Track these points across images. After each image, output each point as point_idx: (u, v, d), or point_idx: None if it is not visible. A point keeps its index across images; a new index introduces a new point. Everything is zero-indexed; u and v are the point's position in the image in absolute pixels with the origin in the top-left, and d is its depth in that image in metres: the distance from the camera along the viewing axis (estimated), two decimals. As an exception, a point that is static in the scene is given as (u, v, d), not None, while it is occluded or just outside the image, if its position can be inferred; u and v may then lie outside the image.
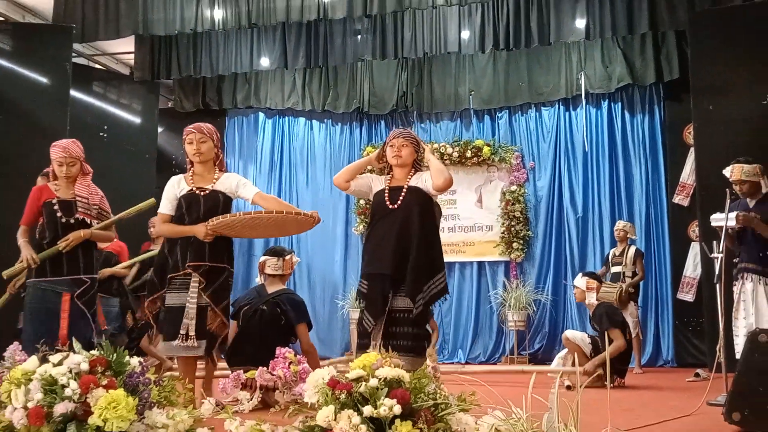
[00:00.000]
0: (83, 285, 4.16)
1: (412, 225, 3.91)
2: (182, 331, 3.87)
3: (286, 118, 10.58)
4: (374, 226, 4.06)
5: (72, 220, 4.24)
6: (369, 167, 4.51)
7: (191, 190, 4.09)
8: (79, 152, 4.38)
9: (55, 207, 4.27)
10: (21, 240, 4.30)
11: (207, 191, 4.08)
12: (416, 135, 4.24)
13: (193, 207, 4.03)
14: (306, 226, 4.17)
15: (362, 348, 3.86)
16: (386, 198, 4.03)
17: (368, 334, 3.88)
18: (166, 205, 4.13)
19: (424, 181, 4.06)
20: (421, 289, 3.86)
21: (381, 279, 3.91)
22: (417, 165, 4.15)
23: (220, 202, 4.06)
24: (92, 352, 2.77)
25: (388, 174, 4.19)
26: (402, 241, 3.90)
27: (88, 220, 4.31)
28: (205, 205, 4.02)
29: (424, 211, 3.98)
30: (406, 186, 4.02)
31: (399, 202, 3.98)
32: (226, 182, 4.15)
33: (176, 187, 4.16)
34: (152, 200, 4.47)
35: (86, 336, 4.02)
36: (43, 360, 2.76)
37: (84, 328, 4.07)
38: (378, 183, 4.17)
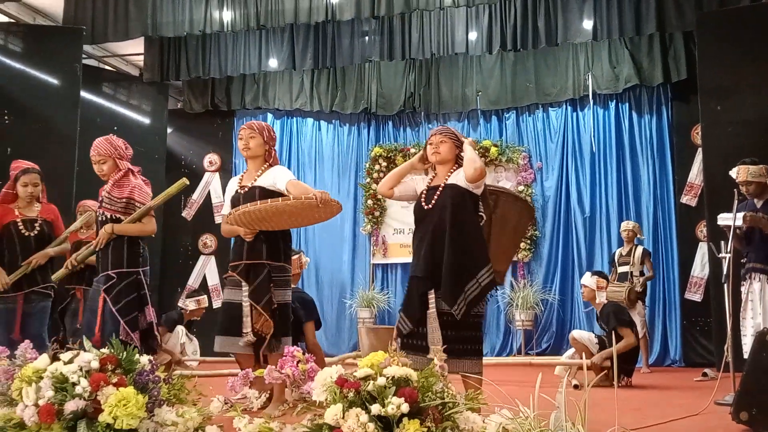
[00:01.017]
0: (110, 281, 4.11)
1: (443, 225, 3.78)
2: (245, 330, 3.94)
3: (295, 118, 10.60)
4: (416, 229, 3.96)
5: (104, 218, 4.22)
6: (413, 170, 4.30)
7: (236, 189, 4.14)
8: (108, 149, 4.27)
9: (99, 206, 4.30)
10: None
11: (247, 188, 4.08)
12: (456, 130, 4.10)
13: (235, 205, 4.02)
14: (325, 211, 3.97)
15: (405, 348, 3.75)
16: (422, 199, 3.93)
17: (401, 334, 3.80)
18: (226, 207, 4.22)
19: (461, 176, 3.91)
20: (462, 291, 3.72)
21: (417, 281, 3.84)
22: (460, 161, 3.98)
23: (256, 198, 3.95)
24: (102, 350, 2.79)
25: (433, 173, 4.09)
26: (434, 243, 3.78)
27: (109, 215, 4.20)
28: (244, 202, 3.98)
29: (456, 208, 3.81)
30: (443, 184, 3.90)
31: (433, 202, 3.87)
32: (267, 176, 4.11)
33: (231, 187, 4.24)
34: (183, 180, 4.37)
35: (112, 332, 3.91)
36: (55, 358, 2.78)
37: (112, 325, 4.00)
38: (421, 185, 4.06)
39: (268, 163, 4.18)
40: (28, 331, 4.61)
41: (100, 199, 4.29)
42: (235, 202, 4.07)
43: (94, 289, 4.19)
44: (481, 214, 3.93)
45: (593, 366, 5.86)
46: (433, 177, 4.04)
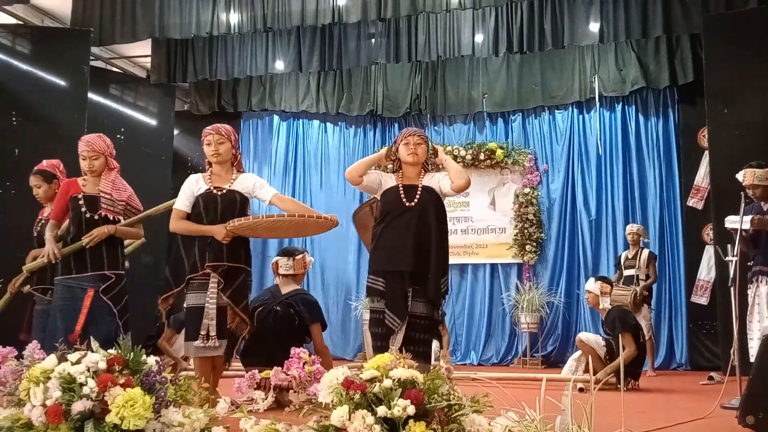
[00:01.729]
0: (108, 280, 4.13)
1: (430, 224, 3.93)
2: (203, 332, 3.88)
3: (301, 120, 10.63)
4: (389, 223, 4.02)
5: (96, 216, 4.21)
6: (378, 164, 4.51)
7: (209, 189, 4.09)
8: (103, 146, 4.33)
9: (81, 202, 4.25)
10: (48, 234, 4.29)
11: (224, 191, 4.08)
12: (427, 135, 4.26)
13: (210, 206, 4.03)
14: (325, 228, 4.18)
15: (380, 350, 3.79)
16: (402, 196, 4.02)
17: (389, 336, 3.84)
18: (183, 202, 4.11)
19: (437, 181, 4.07)
20: (439, 289, 3.91)
21: (401, 276, 3.90)
22: (426, 165, 4.16)
23: (237, 202, 4.05)
24: (110, 351, 2.79)
25: (396, 172, 4.18)
26: (420, 239, 3.91)
27: (111, 216, 4.26)
28: (222, 204, 4.02)
29: (439, 211, 4.02)
30: (420, 185, 4.04)
31: (416, 200, 3.99)
32: (243, 182, 4.14)
33: (194, 185, 4.15)
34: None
35: (110, 332, 3.97)
36: (62, 358, 2.79)
37: (108, 324, 4.02)
38: (389, 180, 4.15)
39: (234, 166, 4.21)
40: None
41: (85, 196, 4.25)
42: (212, 202, 4.04)
43: (72, 287, 4.15)
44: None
45: (597, 382, 5.83)
46: (403, 176, 4.14)
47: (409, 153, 4.06)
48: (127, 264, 4.54)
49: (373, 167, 4.29)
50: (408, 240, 3.91)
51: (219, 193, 4.07)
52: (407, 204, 3.99)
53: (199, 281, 4.00)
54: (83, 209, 4.24)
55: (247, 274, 4.10)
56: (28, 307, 4.76)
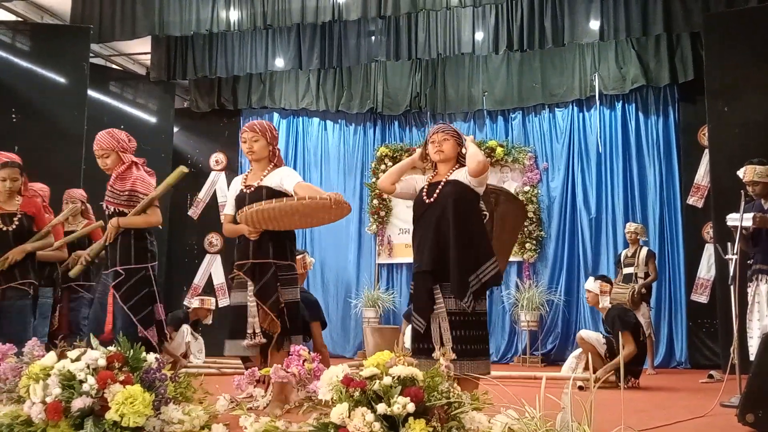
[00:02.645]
0: (118, 277, 4.07)
1: (448, 218, 3.76)
2: (249, 330, 3.89)
3: (301, 118, 10.62)
4: (415, 225, 3.95)
5: (108, 212, 4.18)
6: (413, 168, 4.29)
7: (241, 189, 4.09)
8: (111, 142, 4.22)
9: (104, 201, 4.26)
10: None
11: (253, 188, 4.04)
12: (457, 129, 4.08)
13: (240, 205, 3.98)
14: (335, 212, 3.94)
15: (419, 353, 3.69)
16: (424, 194, 3.91)
17: (420, 337, 3.75)
18: (228, 206, 4.18)
19: (463, 172, 3.89)
20: (468, 284, 3.69)
21: (423, 276, 3.80)
22: (461, 159, 3.97)
23: (263, 198, 3.92)
24: (110, 348, 2.80)
25: (434, 172, 4.07)
26: (439, 236, 3.76)
27: (113, 209, 4.17)
28: (250, 202, 3.94)
29: (459, 201, 3.80)
30: (444, 180, 3.89)
31: (435, 195, 3.85)
32: (273, 177, 4.07)
33: (233, 187, 4.20)
34: (181, 168, 4.32)
35: (125, 329, 3.88)
36: (62, 355, 2.79)
37: (123, 322, 3.95)
38: (421, 182, 4.04)
39: (273, 163, 4.15)
40: (6, 330, 4.36)
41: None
42: (241, 201, 4.04)
43: (104, 284, 4.18)
44: (484, 212, 3.93)
45: (596, 380, 5.83)
46: (434, 175, 4.02)
47: (435, 150, 3.94)
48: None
49: (409, 173, 4.14)
50: (428, 238, 3.80)
51: (248, 191, 4.05)
52: (427, 201, 3.87)
53: (238, 280, 4.04)
54: (105, 207, 4.24)
55: (279, 268, 3.99)
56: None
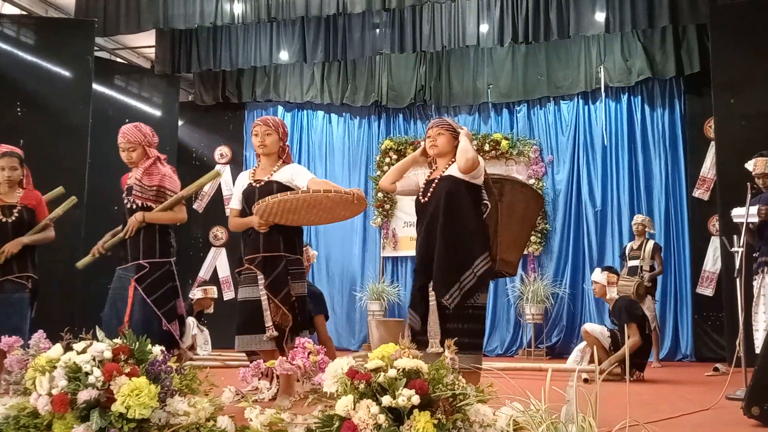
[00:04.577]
0: (142, 270, 4.07)
1: (437, 217, 3.78)
2: (267, 324, 3.89)
3: (305, 111, 10.62)
4: (417, 224, 3.96)
5: (134, 206, 4.17)
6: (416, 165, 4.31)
7: (250, 183, 4.09)
8: (139, 136, 4.25)
9: (124, 194, 4.24)
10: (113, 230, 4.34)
11: (262, 183, 4.05)
12: (453, 122, 4.05)
13: (250, 199, 4.01)
14: (352, 207, 3.96)
15: (418, 345, 3.74)
16: (420, 192, 3.93)
17: (415, 332, 3.76)
18: (234, 200, 4.17)
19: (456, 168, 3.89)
20: (457, 281, 3.67)
21: (415, 275, 3.87)
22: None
23: (274, 192, 3.93)
24: (116, 340, 2.80)
25: (434, 167, 4.06)
26: (429, 235, 3.79)
27: (140, 203, 4.16)
28: (259, 196, 3.95)
29: (450, 198, 3.79)
30: (439, 176, 3.88)
31: (429, 194, 3.86)
32: (283, 173, 4.08)
33: (241, 181, 4.18)
34: (217, 170, 4.33)
35: (147, 322, 3.91)
36: (68, 347, 2.80)
37: (146, 315, 3.96)
38: (423, 178, 4.04)
39: (282, 159, 4.15)
40: (4, 323, 4.33)
41: (127, 186, 4.24)
42: (250, 195, 4.04)
43: (121, 277, 4.16)
44: (485, 202, 3.89)
45: (601, 372, 5.83)
46: (433, 170, 4.02)
47: (431, 145, 3.94)
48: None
49: (413, 169, 4.13)
50: (421, 237, 3.84)
51: (258, 185, 4.05)
52: (422, 200, 3.89)
53: (246, 274, 4.02)
54: (125, 201, 4.23)
55: (289, 261, 3.99)
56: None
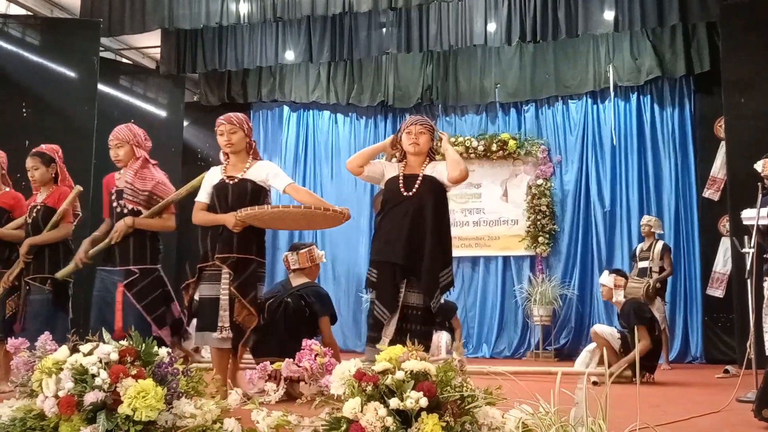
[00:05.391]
0: (132, 276, 4.08)
1: (426, 215, 3.85)
2: (220, 323, 3.89)
3: (311, 111, 10.63)
4: (387, 213, 4.00)
5: (124, 210, 4.16)
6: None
7: (222, 179, 4.09)
8: (127, 135, 4.26)
9: (113, 197, 4.23)
10: (90, 236, 4.32)
11: (236, 180, 4.06)
12: (432, 123, 4.17)
13: (222, 196, 4.04)
14: (335, 222, 4.11)
15: (372, 341, 3.77)
16: (401, 185, 3.97)
17: (380, 326, 3.81)
18: (202, 194, 4.14)
19: (439, 171, 3.99)
20: (437, 282, 3.81)
21: (392, 268, 3.86)
22: (431, 154, 4.10)
23: (248, 191, 4.02)
24: (122, 342, 2.81)
25: (401, 161, 4.14)
26: (415, 231, 3.84)
27: (131, 207, 4.16)
28: (233, 194, 4.01)
29: (438, 201, 3.92)
30: (421, 174, 3.96)
31: (414, 189, 3.92)
32: (256, 171, 4.11)
33: (211, 176, 4.17)
34: (204, 174, 4.36)
35: (142, 331, 3.95)
36: (74, 349, 2.81)
37: (136, 321, 3.93)
38: (391, 170, 4.11)
39: (250, 155, 4.18)
40: (26, 325, 4.43)
41: (116, 189, 4.21)
42: (223, 192, 4.05)
43: (104, 280, 4.15)
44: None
45: (610, 375, 5.81)
46: (405, 165, 4.08)
47: (411, 143, 4.01)
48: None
49: (379, 156, 4.25)
50: (402, 231, 3.87)
51: (231, 182, 4.07)
52: (405, 193, 3.93)
53: (210, 272, 4.01)
54: (114, 203, 4.21)
55: (258, 264, 4.05)
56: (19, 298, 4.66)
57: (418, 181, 3.94)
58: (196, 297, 4.12)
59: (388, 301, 3.83)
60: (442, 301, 3.97)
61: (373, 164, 4.17)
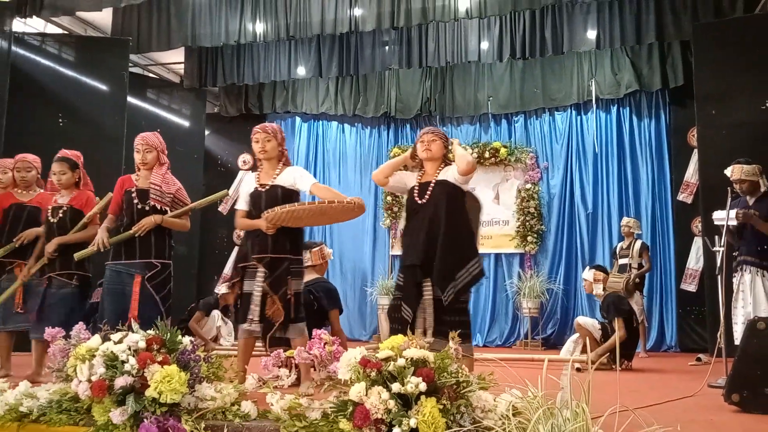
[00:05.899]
0: (153, 269, 4.10)
1: (438, 218, 3.80)
2: (250, 316, 3.89)
3: (320, 122, 10.65)
4: (407, 222, 3.98)
5: (147, 207, 4.17)
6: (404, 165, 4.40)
7: (255, 187, 4.09)
8: (156, 142, 4.29)
9: (134, 195, 4.21)
10: (102, 225, 4.29)
11: (267, 187, 4.04)
12: (444, 132, 4.16)
13: (256, 203, 4.01)
14: (352, 214, 4.02)
15: (395, 333, 3.78)
16: (416, 194, 3.95)
17: (406, 324, 3.72)
18: (241, 202, 4.14)
19: (451, 172, 3.94)
20: (453, 279, 3.73)
21: (413, 270, 3.83)
22: (447, 160, 4.04)
23: (279, 196, 3.96)
24: (149, 331, 2.82)
25: (421, 171, 4.11)
26: (430, 235, 3.80)
27: (158, 207, 4.19)
28: (266, 199, 3.97)
29: (450, 202, 3.84)
30: (433, 181, 3.92)
31: (427, 196, 3.88)
32: (285, 176, 4.07)
33: (247, 185, 4.17)
34: (225, 192, 4.37)
35: (152, 318, 3.88)
36: (105, 338, 2.82)
37: (151, 311, 3.96)
38: (411, 180, 4.08)
39: (282, 162, 4.15)
40: (50, 316, 4.34)
41: (137, 189, 4.22)
42: (256, 198, 4.03)
43: (121, 272, 4.14)
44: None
45: (592, 362, 5.81)
46: (423, 174, 4.04)
47: (424, 149, 3.97)
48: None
49: (400, 168, 4.21)
50: (420, 236, 3.83)
51: (263, 189, 4.04)
52: (419, 201, 3.90)
53: (251, 270, 4.01)
54: (135, 201, 4.20)
55: (291, 262, 3.98)
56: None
57: (430, 188, 3.90)
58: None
59: (412, 301, 3.80)
60: (470, 295, 3.91)
61: (398, 175, 4.13)
